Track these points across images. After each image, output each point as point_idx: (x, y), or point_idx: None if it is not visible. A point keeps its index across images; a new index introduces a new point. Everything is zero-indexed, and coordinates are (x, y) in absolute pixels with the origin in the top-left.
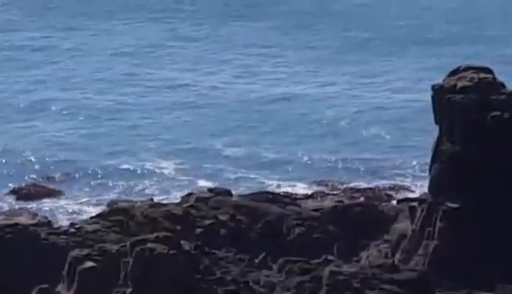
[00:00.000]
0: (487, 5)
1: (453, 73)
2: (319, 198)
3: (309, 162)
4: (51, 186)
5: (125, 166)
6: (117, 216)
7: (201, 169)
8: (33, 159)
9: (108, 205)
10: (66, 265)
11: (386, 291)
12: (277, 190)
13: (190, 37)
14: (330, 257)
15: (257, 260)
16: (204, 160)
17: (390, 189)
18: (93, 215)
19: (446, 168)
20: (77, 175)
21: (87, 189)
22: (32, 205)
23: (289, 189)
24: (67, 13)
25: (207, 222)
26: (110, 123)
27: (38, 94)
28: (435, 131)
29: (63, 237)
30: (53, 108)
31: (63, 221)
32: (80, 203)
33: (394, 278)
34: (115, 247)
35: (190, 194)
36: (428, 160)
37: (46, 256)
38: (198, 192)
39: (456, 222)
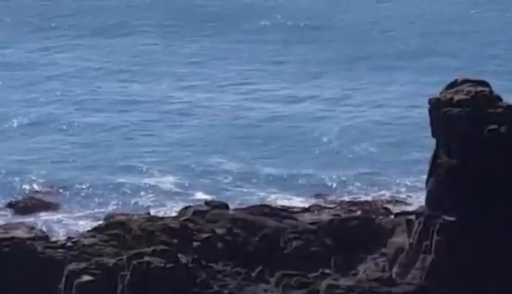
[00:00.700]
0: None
1: (450, 86)
2: (316, 212)
3: (306, 177)
4: (48, 199)
5: (122, 179)
6: (114, 230)
7: (198, 183)
8: (30, 173)
9: (105, 218)
10: (63, 279)
11: None
12: (274, 204)
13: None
14: (328, 271)
15: (254, 274)
16: (201, 174)
17: (387, 202)
18: (90, 228)
19: (443, 181)
20: (74, 189)
21: (84, 203)
22: (29, 218)
23: (286, 203)
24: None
25: (204, 235)
26: (107, 138)
27: (35, 108)
28: (432, 144)
29: (60, 250)
30: (50, 122)
31: (60, 235)
32: (77, 217)
33: (392, 291)
34: (112, 261)
35: (187, 208)
36: (425, 174)
37: (43, 269)
38: (195, 205)
39: (454, 235)
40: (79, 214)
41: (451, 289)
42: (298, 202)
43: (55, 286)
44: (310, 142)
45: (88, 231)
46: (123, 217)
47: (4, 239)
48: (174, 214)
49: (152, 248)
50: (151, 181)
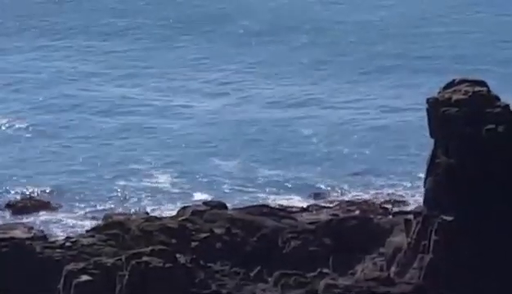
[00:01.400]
0: None
1: (448, 86)
2: (314, 212)
3: (305, 177)
4: (47, 200)
5: (121, 179)
6: (112, 230)
7: (197, 183)
8: (28, 173)
9: (103, 218)
10: (62, 279)
11: None
12: (272, 204)
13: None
14: (326, 270)
15: (252, 274)
16: (199, 174)
17: (385, 202)
18: (89, 228)
19: (441, 181)
20: (72, 189)
21: (82, 203)
22: (27, 219)
23: (284, 203)
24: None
25: (202, 235)
26: (105, 138)
27: (33, 110)
28: (430, 144)
29: (58, 250)
30: (49, 124)
31: (58, 235)
32: (76, 217)
33: (390, 291)
34: (111, 261)
35: (185, 208)
36: (423, 173)
37: (41, 269)
38: (193, 205)
39: (452, 235)
40: (78, 214)
41: (449, 289)
42: (296, 202)
43: (53, 286)
44: (309, 142)
45: (87, 231)
46: (121, 217)
47: (3, 239)
48: (173, 214)
49: (151, 248)
50: (150, 181)
